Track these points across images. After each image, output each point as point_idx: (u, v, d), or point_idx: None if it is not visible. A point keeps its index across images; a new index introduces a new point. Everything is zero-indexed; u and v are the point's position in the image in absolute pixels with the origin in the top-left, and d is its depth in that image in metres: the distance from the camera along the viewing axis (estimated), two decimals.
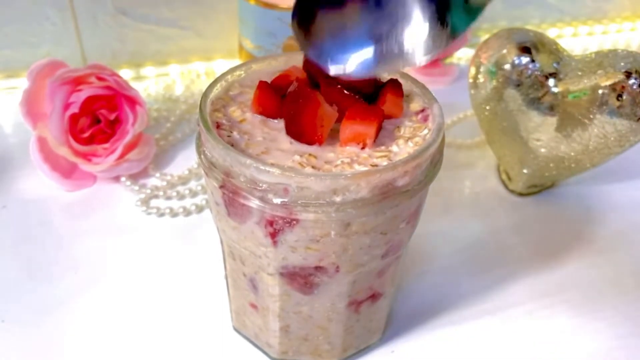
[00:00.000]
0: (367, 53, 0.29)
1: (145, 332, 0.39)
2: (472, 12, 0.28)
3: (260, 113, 0.32)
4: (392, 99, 0.32)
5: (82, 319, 0.40)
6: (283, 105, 0.30)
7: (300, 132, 0.29)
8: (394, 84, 0.32)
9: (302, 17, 0.29)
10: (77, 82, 0.50)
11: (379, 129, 0.30)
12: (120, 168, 0.51)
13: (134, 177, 0.52)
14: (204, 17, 0.68)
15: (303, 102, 0.29)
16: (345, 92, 0.30)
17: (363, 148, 0.30)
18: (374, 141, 0.30)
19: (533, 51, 0.47)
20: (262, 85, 0.31)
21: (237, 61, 0.68)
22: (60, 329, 0.39)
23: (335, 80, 0.31)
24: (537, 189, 0.54)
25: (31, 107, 0.50)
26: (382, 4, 0.29)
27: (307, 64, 0.33)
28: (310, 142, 0.29)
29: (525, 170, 0.51)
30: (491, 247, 0.48)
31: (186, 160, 0.55)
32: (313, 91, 0.29)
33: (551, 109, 0.47)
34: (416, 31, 0.28)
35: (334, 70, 0.29)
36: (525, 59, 0.47)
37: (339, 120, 0.30)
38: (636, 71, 0.43)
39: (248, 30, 0.60)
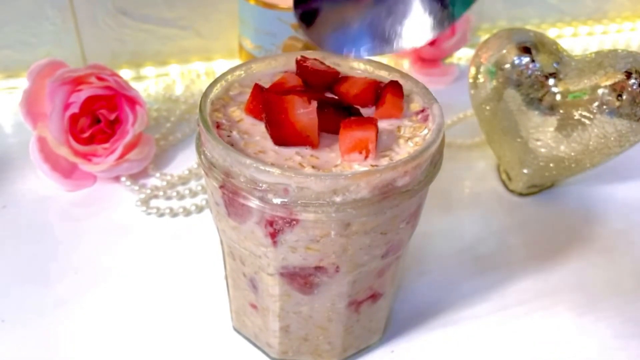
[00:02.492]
0: (370, 36, 0.30)
1: (146, 332, 0.39)
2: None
3: (253, 116, 0.32)
4: (392, 99, 0.32)
5: (82, 319, 0.40)
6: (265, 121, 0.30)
7: (290, 144, 0.29)
8: (394, 85, 0.32)
9: (304, 12, 0.30)
10: (77, 82, 0.50)
11: (377, 136, 0.30)
12: (120, 168, 0.51)
13: (134, 177, 0.52)
14: (204, 17, 0.68)
15: (277, 124, 0.29)
16: (337, 108, 0.30)
17: (366, 157, 0.29)
18: (376, 146, 0.29)
19: (533, 51, 0.47)
20: (254, 88, 0.31)
21: (237, 61, 0.68)
22: (61, 329, 0.39)
23: (328, 98, 0.31)
24: (537, 189, 0.54)
25: (31, 107, 0.50)
26: None
27: (301, 71, 0.33)
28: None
29: (525, 170, 0.51)
30: (491, 247, 0.48)
31: (186, 160, 0.55)
32: (282, 106, 0.29)
33: (551, 109, 0.47)
34: (416, 14, 0.29)
35: (345, 52, 0.30)
36: (525, 59, 0.47)
37: (334, 129, 0.30)
38: (636, 71, 0.43)
39: (248, 30, 0.60)
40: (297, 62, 0.34)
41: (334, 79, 0.34)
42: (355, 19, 0.30)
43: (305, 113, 0.29)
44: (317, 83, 0.33)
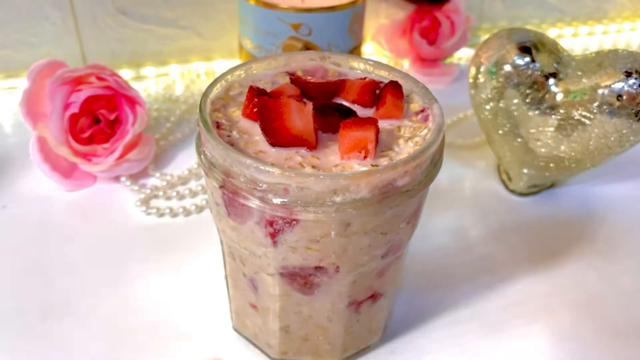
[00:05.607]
0: None
1: (145, 333, 0.39)
2: None
3: (251, 120, 0.31)
4: (392, 100, 0.32)
5: (82, 319, 0.40)
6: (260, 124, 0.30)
7: (288, 147, 0.29)
8: (394, 85, 0.32)
9: None
10: (77, 82, 0.50)
11: (378, 136, 0.30)
12: (120, 168, 0.51)
13: (134, 177, 0.52)
14: (204, 17, 0.68)
15: (272, 131, 0.29)
16: (337, 109, 0.30)
17: (365, 157, 0.29)
18: (375, 146, 0.29)
19: (533, 51, 0.47)
20: (249, 91, 0.31)
21: (237, 61, 0.68)
22: (60, 329, 0.39)
23: (328, 103, 0.31)
24: (537, 189, 0.54)
25: (31, 107, 0.50)
26: None
27: (295, 80, 0.33)
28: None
29: (525, 170, 0.51)
30: (491, 247, 0.48)
31: (186, 160, 0.55)
32: (278, 111, 0.28)
33: (551, 109, 0.47)
34: None
35: None
36: (525, 59, 0.47)
37: (333, 131, 0.30)
38: (636, 71, 0.43)
39: (248, 30, 0.60)
40: (292, 80, 0.33)
41: (334, 90, 0.33)
42: None
43: (300, 118, 0.29)
44: (316, 95, 0.33)
